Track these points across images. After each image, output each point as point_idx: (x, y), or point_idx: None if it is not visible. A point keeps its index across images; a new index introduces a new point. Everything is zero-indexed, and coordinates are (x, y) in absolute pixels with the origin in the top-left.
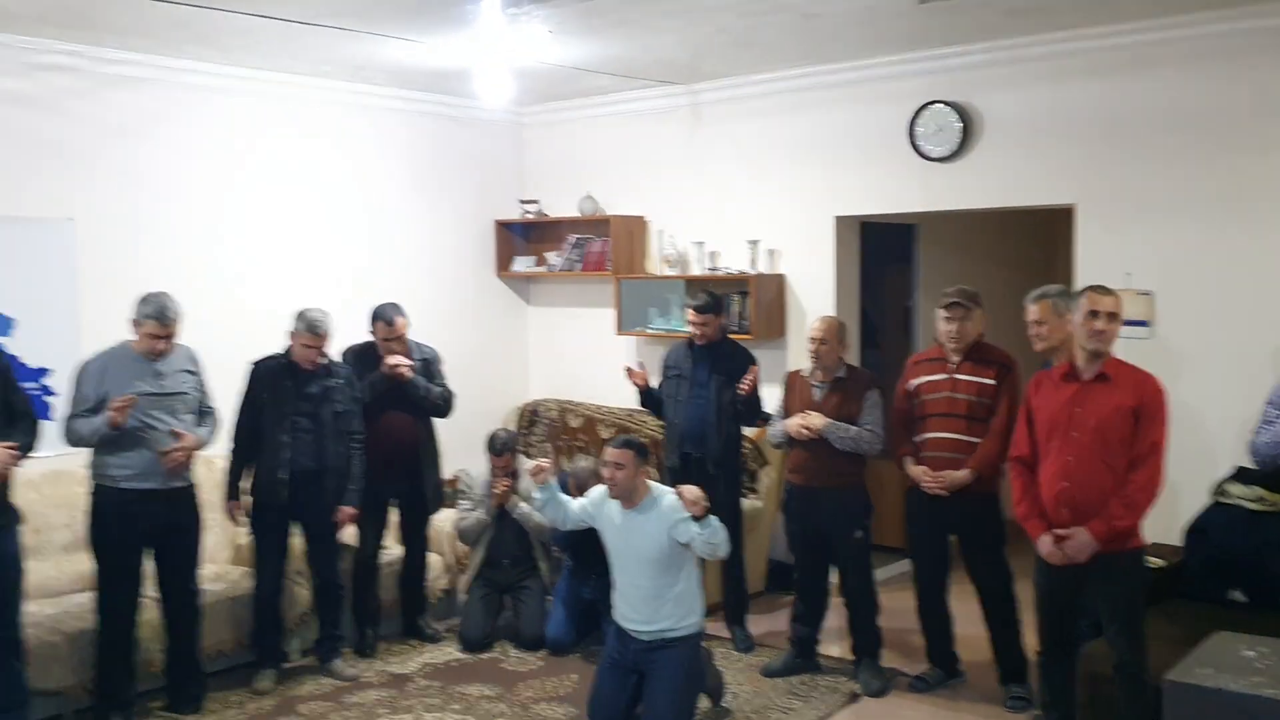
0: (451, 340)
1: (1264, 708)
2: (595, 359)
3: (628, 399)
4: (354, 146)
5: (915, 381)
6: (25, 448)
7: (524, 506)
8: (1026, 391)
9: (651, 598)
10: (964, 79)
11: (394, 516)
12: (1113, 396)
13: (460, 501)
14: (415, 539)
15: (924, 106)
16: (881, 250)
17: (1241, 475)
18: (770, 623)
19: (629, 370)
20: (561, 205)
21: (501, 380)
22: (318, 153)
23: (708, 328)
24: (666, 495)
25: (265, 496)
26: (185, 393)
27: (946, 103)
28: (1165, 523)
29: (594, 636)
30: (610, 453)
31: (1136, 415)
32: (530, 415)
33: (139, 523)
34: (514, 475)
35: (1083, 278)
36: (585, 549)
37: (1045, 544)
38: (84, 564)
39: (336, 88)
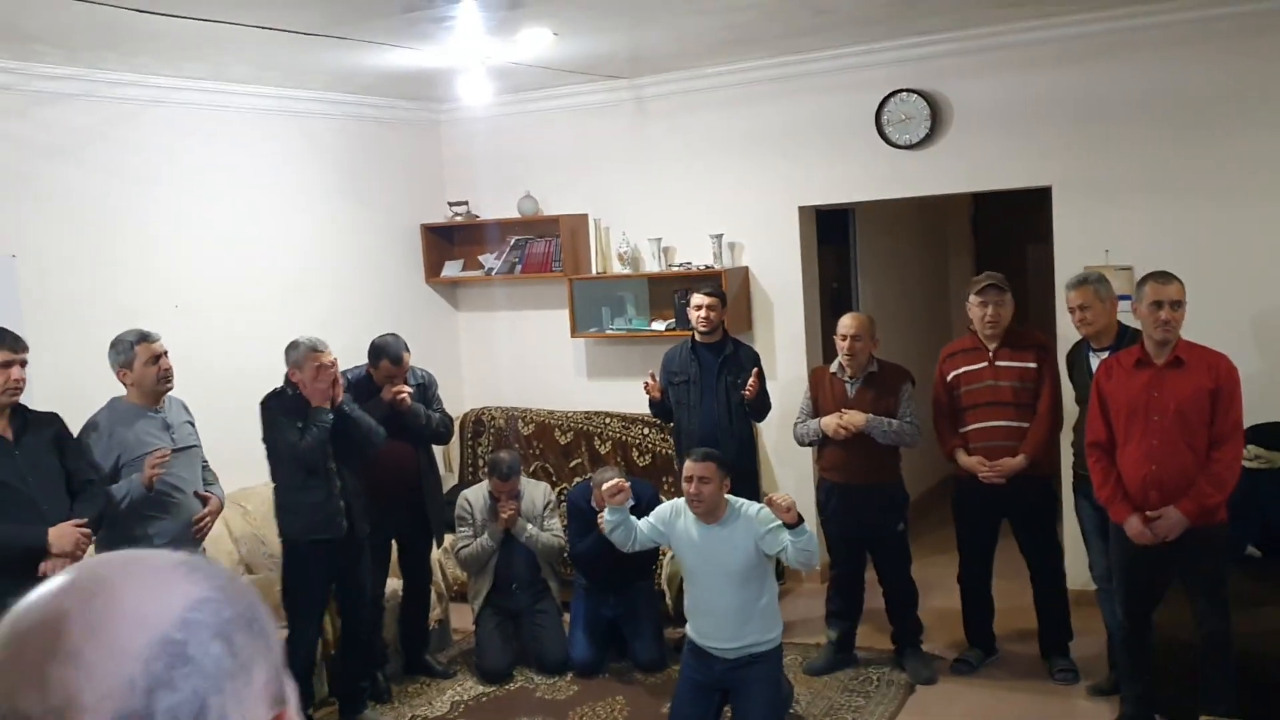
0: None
1: None
2: (546, 363)
3: (586, 402)
4: (283, 154)
5: (954, 373)
6: (93, 523)
7: (531, 529)
8: (1096, 378)
9: (737, 613)
10: (931, 68)
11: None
12: (1190, 379)
13: (459, 529)
14: (418, 571)
15: (890, 95)
16: (820, 233)
17: None
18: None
19: (646, 383)
20: (493, 206)
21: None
22: (246, 162)
23: (714, 312)
24: (748, 505)
25: (318, 534)
26: (196, 446)
27: (913, 90)
28: None
29: (615, 654)
30: (693, 467)
31: (1214, 396)
32: (474, 425)
33: None
34: (518, 497)
35: (1062, 255)
36: (602, 568)
37: (1134, 525)
38: None
39: (265, 93)
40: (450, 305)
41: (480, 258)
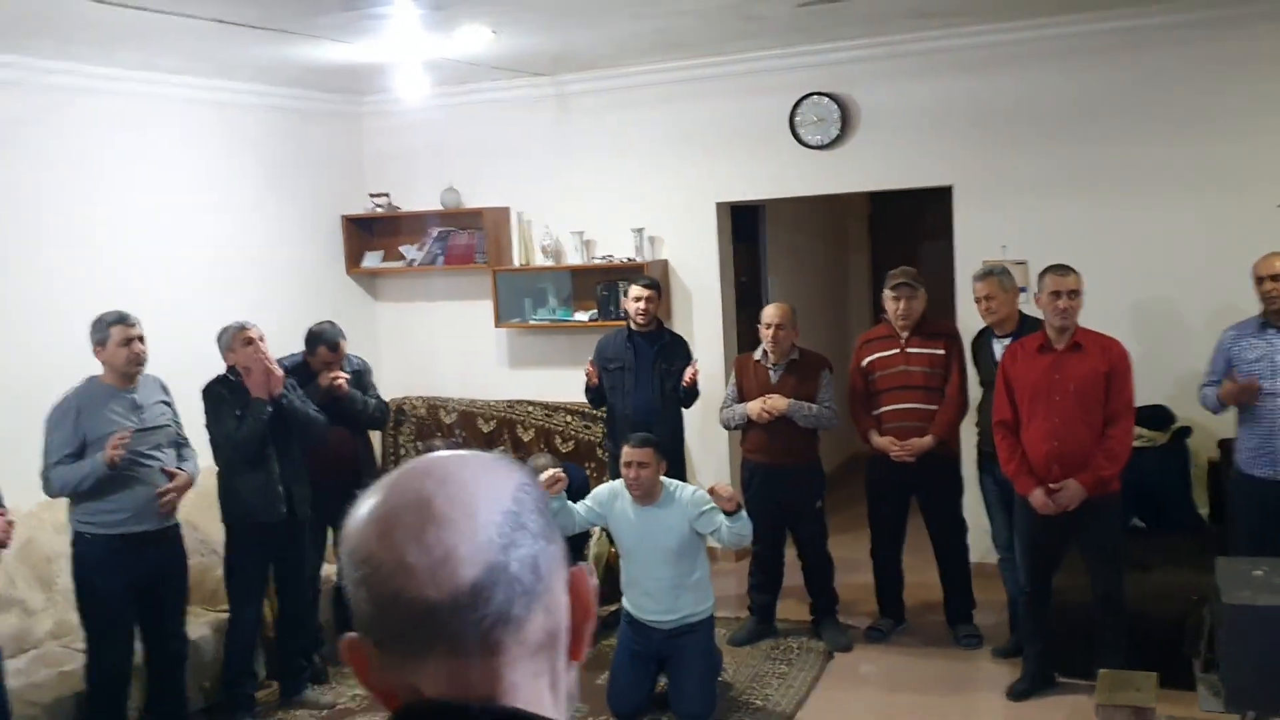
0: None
1: None
2: (468, 353)
3: (508, 391)
4: (209, 144)
5: (869, 359)
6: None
7: None
8: (1002, 362)
9: (672, 587)
10: (842, 72)
11: None
12: (1086, 363)
13: None
14: None
15: (804, 98)
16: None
17: None
18: None
19: (587, 370)
20: (415, 198)
21: None
22: (173, 152)
23: (651, 304)
24: (683, 488)
25: (259, 517)
26: (166, 425)
27: (825, 94)
28: None
29: None
30: (632, 452)
31: (1109, 377)
32: (395, 414)
33: (133, 569)
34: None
35: (962, 250)
36: None
37: (1038, 497)
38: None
39: (194, 84)
40: (370, 296)
41: (401, 249)
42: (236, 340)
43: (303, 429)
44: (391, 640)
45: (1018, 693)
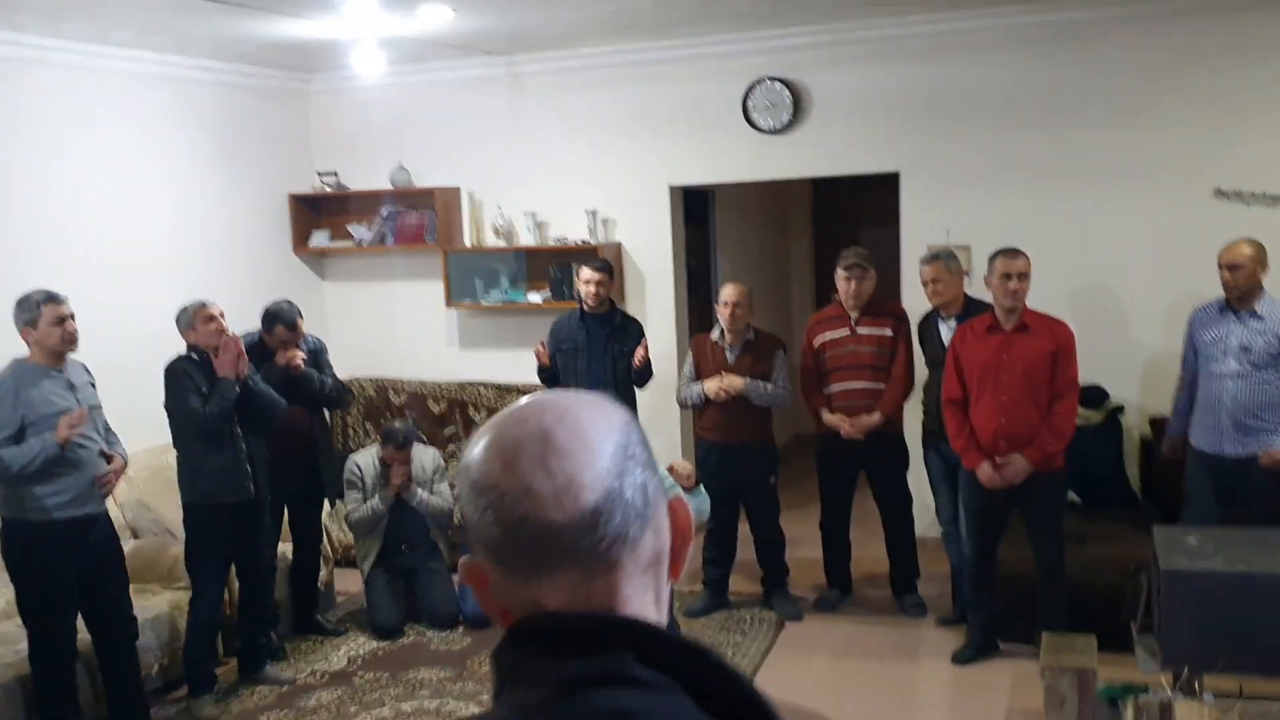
0: (252, 323)
1: (1249, 580)
2: (418, 334)
3: (459, 373)
4: (158, 119)
5: (820, 339)
6: None
7: (421, 494)
8: (952, 342)
9: None
10: (794, 58)
11: None
12: (1034, 343)
13: (348, 493)
14: (308, 533)
15: (756, 82)
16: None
17: None
18: None
19: (537, 350)
20: (363, 177)
21: None
22: (123, 127)
23: (603, 287)
24: None
25: (225, 497)
26: (98, 405)
27: (778, 79)
28: None
29: None
30: None
31: (1054, 357)
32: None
33: (74, 555)
34: (408, 463)
35: (908, 234)
36: None
37: (985, 471)
38: None
39: (144, 58)
40: (317, 276)
41: (349, 228)
42: (198, 318)
43: (265, 412)
44: (518, 559)
45: (963, 658)
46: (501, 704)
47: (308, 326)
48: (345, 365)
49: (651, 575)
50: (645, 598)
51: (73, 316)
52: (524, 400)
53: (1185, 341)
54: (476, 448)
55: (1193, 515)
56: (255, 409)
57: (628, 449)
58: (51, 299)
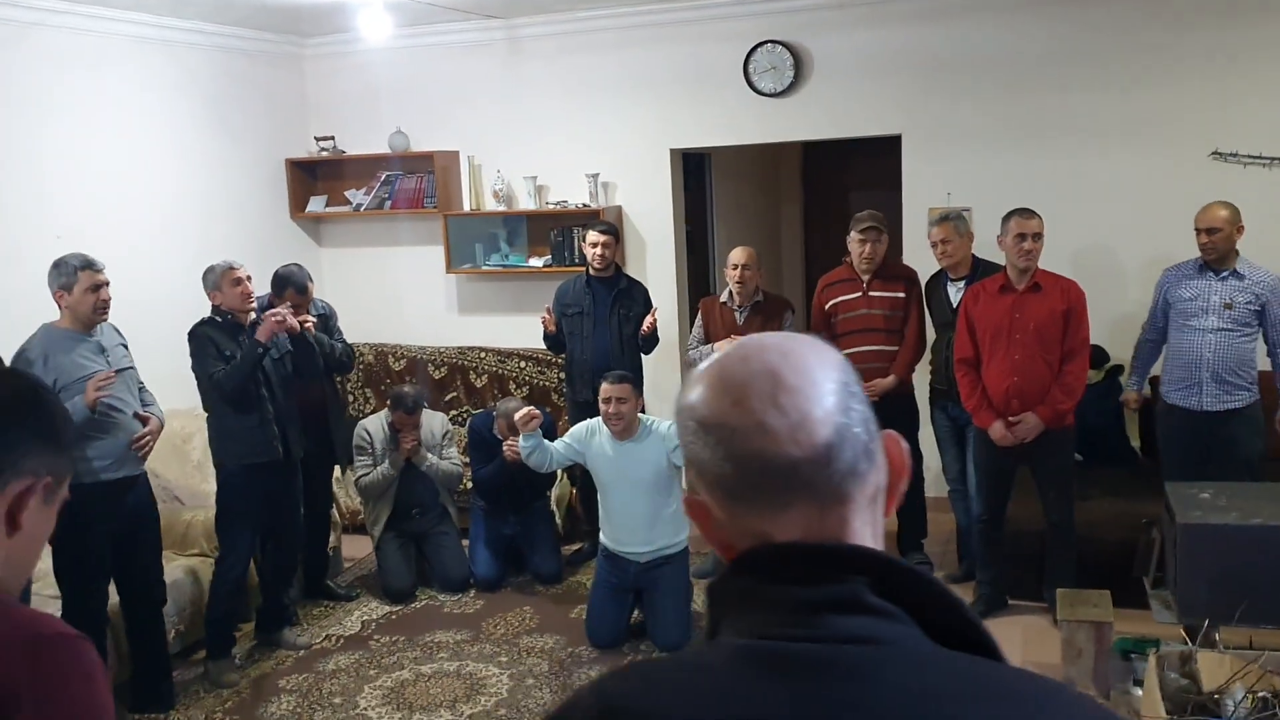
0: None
1: (1265, 533)
2: (417, 299)
3: (459, 338)
4: (157, 83)
5: (831, 301)
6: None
7: (431, 458)
8: (964, 302)
9: (648, 519)
10: (795, 21)
11: None
12: (1046, 302)
13: (358, 458)
14: (320, 498)
15: (758, 45)
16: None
17: None
18: None
19: (544, 316)
20: (361, 142)
21: None
22: (123, 90)
23: (608, 250)
24: (660, 422)
25: (254, 458)
26: (131, 368)
27: (779, 42)
28: None
29: (514, 570)
30: (610, 389)
31: (1066, 316)
32: None
33: (113, 516)
34: (418, 428)
35: (909, 196)
36: (503, 492)
37: (998, 429)
38: None
39: (143, 20)
40: (314, 241)
41: (347, 193)
42: (225, 280)
43: (334, 363)
44: (751, 494)
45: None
46: (728, 629)
47: None
48: (344, 331)
49: (872, 509)
50: (869, 530)
51: (108, 284)
52: (740, 340)
53: (1155, 300)
54: (699, 388)
55: (1173, 473)
56: (317, 364)
57: (848, 386)
58: (89, 265)
